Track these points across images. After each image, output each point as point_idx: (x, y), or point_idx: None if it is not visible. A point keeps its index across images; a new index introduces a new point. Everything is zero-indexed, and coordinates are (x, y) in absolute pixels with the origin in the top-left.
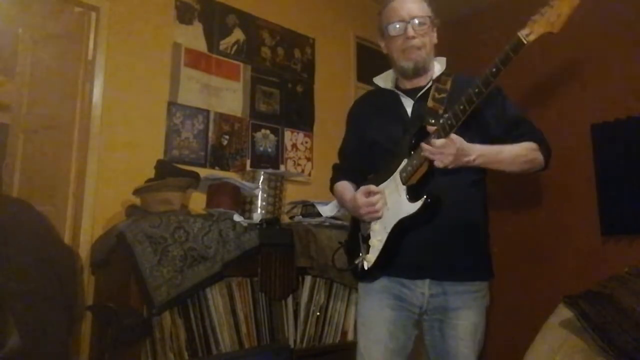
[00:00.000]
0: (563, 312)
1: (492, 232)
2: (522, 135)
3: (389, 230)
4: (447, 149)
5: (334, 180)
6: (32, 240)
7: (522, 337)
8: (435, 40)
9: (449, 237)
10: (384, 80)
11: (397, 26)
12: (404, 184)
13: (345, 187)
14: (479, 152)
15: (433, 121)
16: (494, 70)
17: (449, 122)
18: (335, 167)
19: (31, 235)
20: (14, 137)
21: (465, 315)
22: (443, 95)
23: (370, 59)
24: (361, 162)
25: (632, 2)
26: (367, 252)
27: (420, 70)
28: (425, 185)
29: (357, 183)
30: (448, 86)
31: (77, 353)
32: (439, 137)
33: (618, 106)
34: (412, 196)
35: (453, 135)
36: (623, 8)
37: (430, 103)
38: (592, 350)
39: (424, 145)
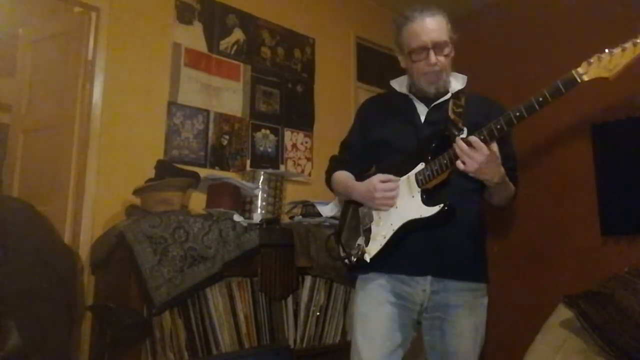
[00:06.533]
0: (563, 312)
1: (492, 232)
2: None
3: (395, 227)
4: (478, 155)
5: (332, 171)
6: (32, 240)
7: (522, 337)
8: (452, 54)
9: (452, 237)
10: (399, 84)
11: (419, 52)
12: (419, 187)
13: (348, 175)
14: (500, 178)
15: (457, 133)
16: (540, 99)
17: (497, 126)
18: (334, 159)
19: (31, 235)
20: (14, 137)
21: (466, 313)
22: (460, 110)
23: (370, 59)
24: (362, 158)
25: (633, 2)
26: (367, 244)
27: (440, 93)
28: (439, 192)
29: (356, 178)
30: (463, 102)
31: (77, 353)
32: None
33: (618, 106)
34: (427, 200)
35: (494, 147)
36: (622, 8)
37: (451, 115)
38: (592, 350)
39: (459, 141)
